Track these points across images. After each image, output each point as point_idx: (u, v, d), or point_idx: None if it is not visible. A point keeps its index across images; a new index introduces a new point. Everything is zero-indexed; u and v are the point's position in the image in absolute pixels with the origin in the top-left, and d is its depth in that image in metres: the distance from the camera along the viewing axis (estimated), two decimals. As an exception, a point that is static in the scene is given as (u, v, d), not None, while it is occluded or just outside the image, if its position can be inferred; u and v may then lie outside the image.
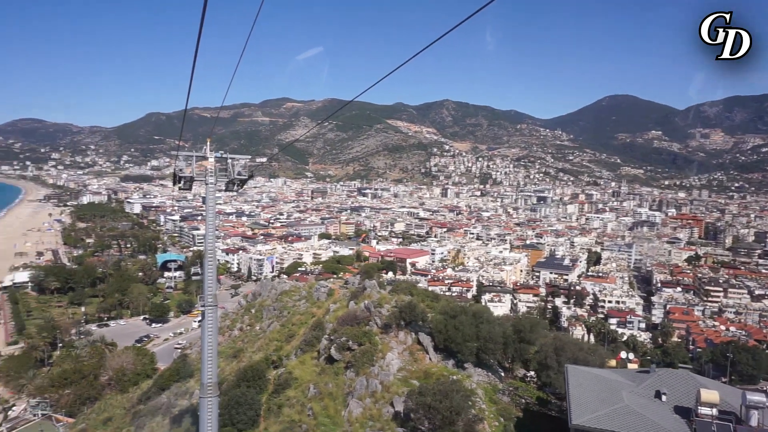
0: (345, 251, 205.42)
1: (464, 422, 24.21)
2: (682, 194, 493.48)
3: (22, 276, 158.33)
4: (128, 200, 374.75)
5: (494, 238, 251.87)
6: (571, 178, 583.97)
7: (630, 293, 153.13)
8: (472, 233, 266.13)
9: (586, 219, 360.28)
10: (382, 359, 32.83)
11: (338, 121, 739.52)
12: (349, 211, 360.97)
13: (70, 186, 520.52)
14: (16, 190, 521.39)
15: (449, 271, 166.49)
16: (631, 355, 31.38)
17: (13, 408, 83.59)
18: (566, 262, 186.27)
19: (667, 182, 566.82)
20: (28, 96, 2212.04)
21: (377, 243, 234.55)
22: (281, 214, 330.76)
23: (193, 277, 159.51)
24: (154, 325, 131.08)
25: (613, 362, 32.91)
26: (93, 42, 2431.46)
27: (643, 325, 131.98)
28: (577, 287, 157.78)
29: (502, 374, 34.28)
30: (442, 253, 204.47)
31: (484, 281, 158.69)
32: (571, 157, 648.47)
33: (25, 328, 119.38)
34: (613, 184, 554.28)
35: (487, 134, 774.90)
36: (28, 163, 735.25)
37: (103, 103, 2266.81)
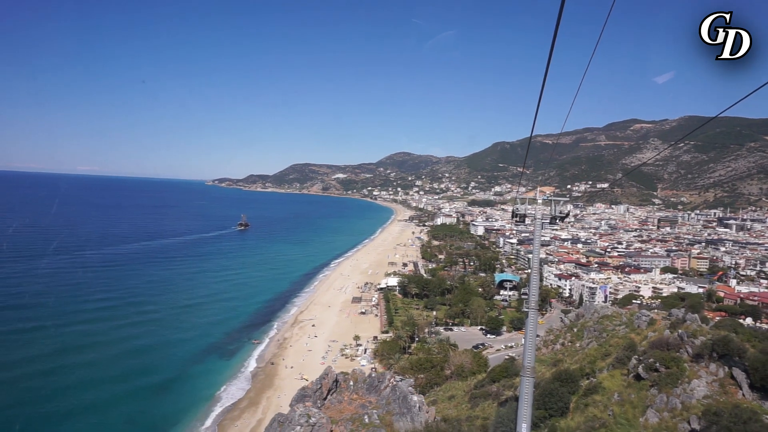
0: (692, 288, 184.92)
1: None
2: None
3: (393, 281, 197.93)
4: (473, 223, 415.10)
5: None
6: None
7: None
8: None
9: None
10: (687, 383, 35.14)
11: (697, 140, 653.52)
12: (703, 243, 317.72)
13: (428, 209, 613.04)
14: (390, 211, 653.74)
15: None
16: None
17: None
18: None
19: None
20: (400, 134, 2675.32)
21: (738, 283, 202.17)
22: (620, 243, 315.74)
23: (523, 297, 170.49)
24: (488, 335, 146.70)
25: None
26: (449, 87, 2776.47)
27: None
28: None
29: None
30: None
31: None
32: None
33: (393, 322, 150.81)
34: None
35: None
36: (398, 189, 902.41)
37: (457, 135, 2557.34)
